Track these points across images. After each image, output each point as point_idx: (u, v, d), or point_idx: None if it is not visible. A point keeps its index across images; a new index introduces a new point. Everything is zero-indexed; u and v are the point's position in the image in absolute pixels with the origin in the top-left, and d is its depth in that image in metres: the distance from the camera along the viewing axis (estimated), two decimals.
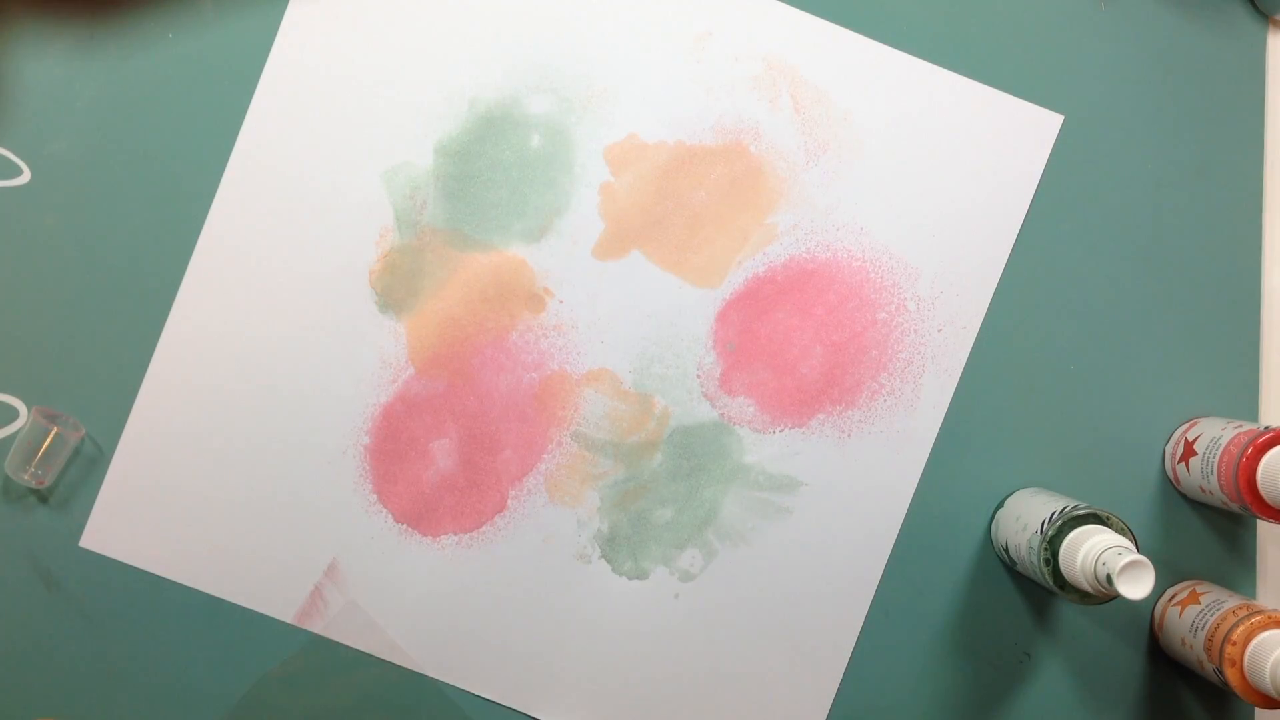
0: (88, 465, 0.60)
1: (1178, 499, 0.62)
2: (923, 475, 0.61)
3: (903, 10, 0.62)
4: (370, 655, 0.60)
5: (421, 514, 0.60)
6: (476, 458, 0.61)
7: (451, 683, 0.60)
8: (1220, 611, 0.55)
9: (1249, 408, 0.62)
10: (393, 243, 0.61)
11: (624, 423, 0.61)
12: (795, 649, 0.61)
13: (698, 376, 0.61)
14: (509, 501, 0.61)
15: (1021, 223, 0.62)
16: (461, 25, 0.61)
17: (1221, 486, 0.55)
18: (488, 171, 0.61)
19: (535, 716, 0.61)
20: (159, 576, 0.60)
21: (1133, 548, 0.50)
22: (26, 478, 0.58)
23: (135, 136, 0.60)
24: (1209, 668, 0.55)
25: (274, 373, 0.60)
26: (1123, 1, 0.63)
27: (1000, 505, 0.61)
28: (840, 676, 0.61)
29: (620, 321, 0.61)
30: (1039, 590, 0.61)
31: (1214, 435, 0.57)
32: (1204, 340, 0.62)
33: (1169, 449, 0.61)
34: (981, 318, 0.61)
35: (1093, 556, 0.50)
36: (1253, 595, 0.61)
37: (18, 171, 0.60)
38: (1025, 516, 0.57)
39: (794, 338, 0.61)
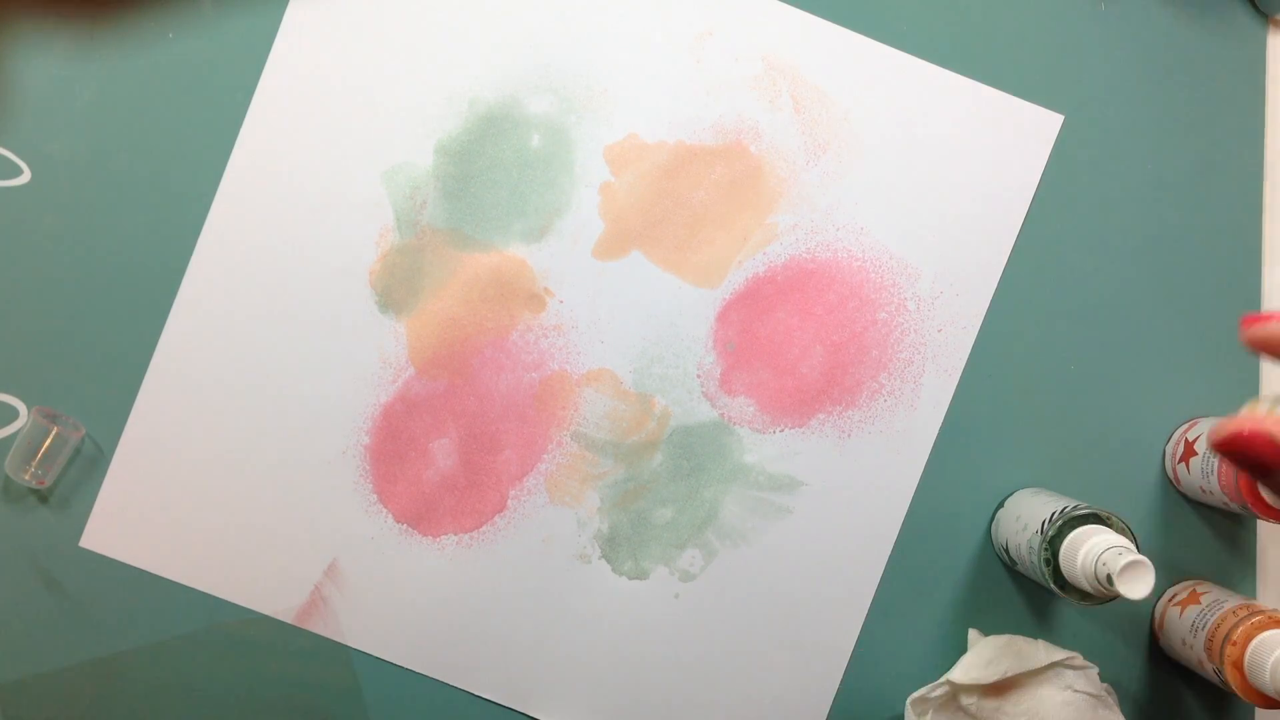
0: (88, 465, 0.60)
1: (1178, 499, 0.62)
2: (923, 475, 0.61)
3: (903, 10, 0.62)
4: (370, 655, 0.60)
5: (421, 514, 0.60)
6: (476, 458, 0.61)
7: (451, 683, 0.60)
8: (1220, 611, 0.55)
9: None
10: (393, 242, 0.61)
11: (624, 423, 0.61)
12: (795, 648, 0.61)
13: (698, 376, 0.61)
14: (509, 501, 0.61)
15: (1021, 223, 0.62)
16: (461, 25, 0.61)
17: (1221, 486, 0.55)
18: (488, 171, 0.61)
19: (535, 716, 0.61)
20: (159, 576, 0.60)
21: (1133, 548, 0.50)
22: (26, 478, 0.58)
23: (135, 136, 0.60)
24: (1209, 668, 0.55)
25: (274, 373, 0.60)
26: (1123, 1, 0.63)
27: (1000, 505, 0.61)
28: (840, 676, 0.61)
29: (620, 321, 0.61)
30: (1039, 590, 0.61)
31: None
32: (1204, 340, 0.62)
33: (1169, 449, 0.61)
34: (981, 318, 0.61)
35: (1093, 556, 0.50)
36: (1253, 595, 0.61)
37: (18, 171, 0.60)
38: (1025, 516, 0.57)
39: (794, 338, 0.61)
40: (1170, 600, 0.60)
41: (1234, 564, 0.61)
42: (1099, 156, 0.62)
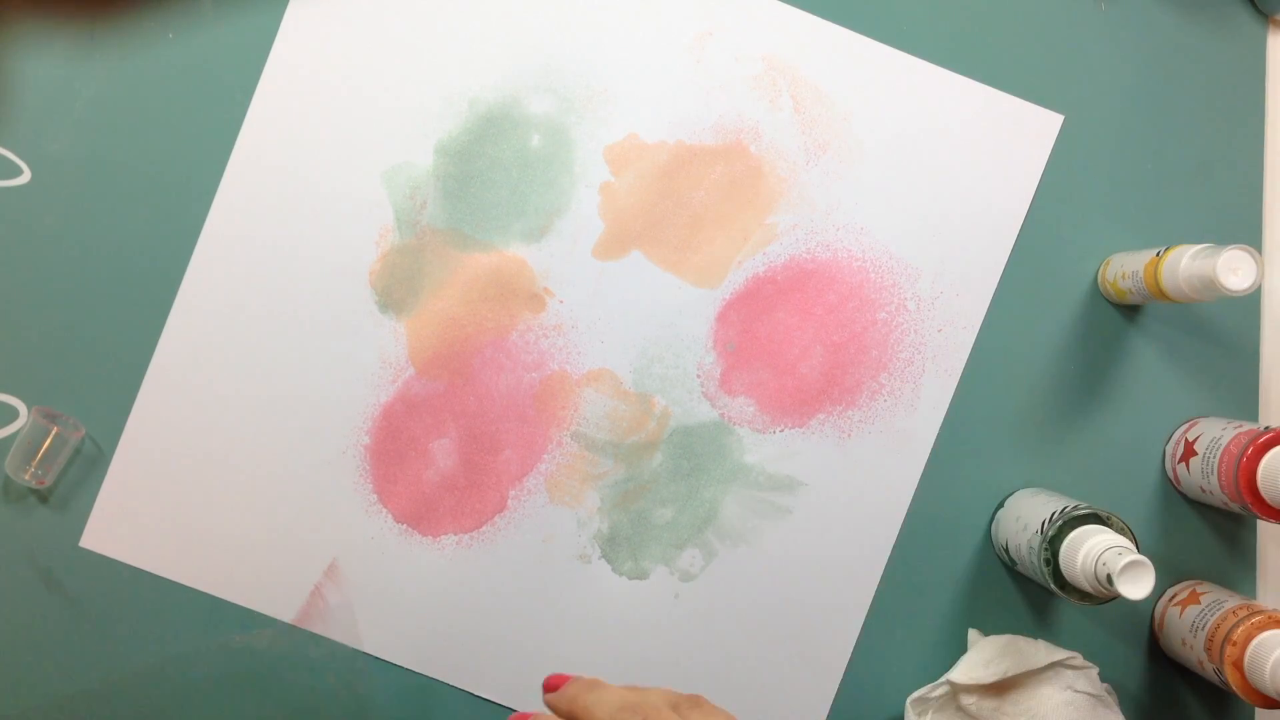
0: (88, 465, 0.60)
1: (1178, 499, 0.62)
2: (923, 475, 0.61)
3: (903, 10, 0.62)
4: (371, 655, 0.60)
5: (421, 514, 0.60)
6: (476, 458, 0.61)
7: (451, 683, 0.60)
8: (1220, 611, 0.55)
9: (1249, 408, 0.62)
10: (393, 242, 0.60)
11: (624, 423, 0.61)
12: (795, 649, 0.61)
13: (698, 376, 0.61)
14: (509, 501, 0.61)
15: (1021, 223, 0.62)
16: (461, 25, 0.61)
17: (1222, 486, 0.55)
18: (488, 171, 0.61)
19: None
20: (159, 576, 0.60)
21: (1133, 548, 0.50)
22: (26, 478, 0.58)
23: (135, 136, 0.60)
24: (1209, 668, 0.55)
25: (274, 373, 0.60)
26: (1123, 1, 0.63)
27: (1000, 505, 0.61)
28: (840, 676, 0.61)
29: (620, 321, 0.61)
30: (1039, 590, 0.61)
31: (1214, 435, 0.57)
32: (1204, 340, 0.62)
33: (1169, 449, 0.61)
34: (981, 318, 0.61)
35: (1093, 556, 0.50)
36: (1253, 595, 0.61)
37: (18, 171, 0.60)
38: (1025, 516, 0.57)
39: (794, 338, 0.61)
40: (1170, 600, 0.60)
41: (1234, 564, 0.61)
42: (1099, 156, 0.62)
